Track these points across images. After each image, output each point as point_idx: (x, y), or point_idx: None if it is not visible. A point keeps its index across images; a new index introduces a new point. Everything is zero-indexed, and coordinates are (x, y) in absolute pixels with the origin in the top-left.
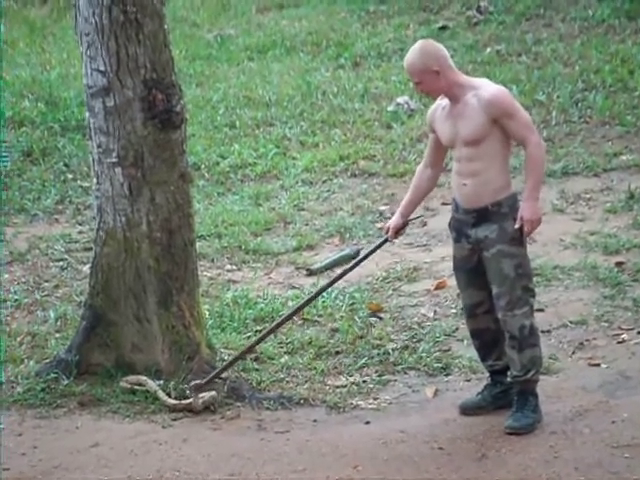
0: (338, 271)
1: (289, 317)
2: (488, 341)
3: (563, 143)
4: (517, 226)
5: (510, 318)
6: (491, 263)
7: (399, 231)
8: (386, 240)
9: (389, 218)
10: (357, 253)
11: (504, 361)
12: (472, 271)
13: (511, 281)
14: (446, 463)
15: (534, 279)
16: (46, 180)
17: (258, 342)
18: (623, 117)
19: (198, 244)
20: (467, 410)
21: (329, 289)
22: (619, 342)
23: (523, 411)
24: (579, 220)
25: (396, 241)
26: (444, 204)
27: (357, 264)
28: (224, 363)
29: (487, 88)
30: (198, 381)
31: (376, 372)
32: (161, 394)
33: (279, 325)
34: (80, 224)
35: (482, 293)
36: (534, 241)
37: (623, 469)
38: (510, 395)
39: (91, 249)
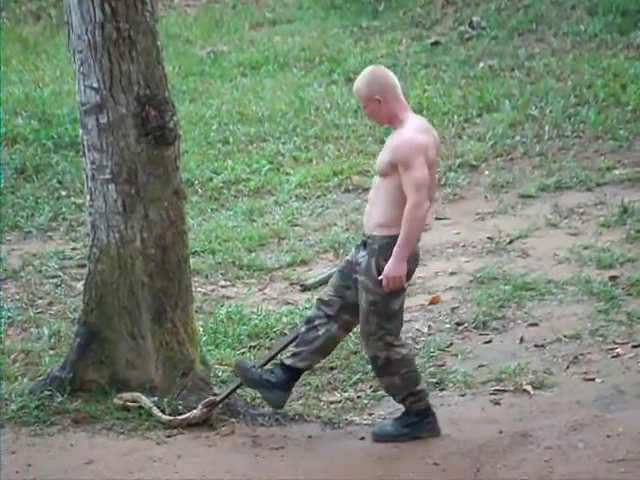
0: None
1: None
2: None
3: (556, 158)
4: (379, 278)
5: (364, 346)
6: (358, 288)
7: None
8: None
9: None
10: None
11: None
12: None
13: (365, 313)
14: (441, 479)
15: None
16: (40, 197)
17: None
18: (616, 131)
19: (192, 260)
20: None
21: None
22: (613, 356)
23: (396, 421)
24: (573, 234)
25: None
26: (437, 219)
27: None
28: (234, 384)
29: (401, 132)
30: (212, 398)
31: (370, 387)
32: (155, 410)
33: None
34: (74, 241)
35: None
36: (528, 255)
37: None
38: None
39: (85, 266)
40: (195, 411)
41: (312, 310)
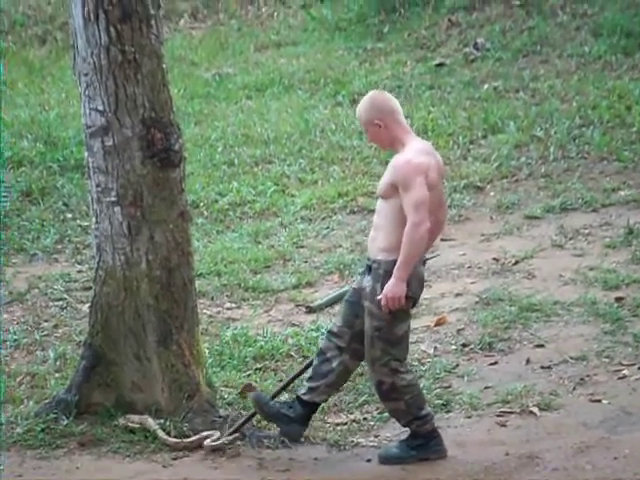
0: (338, 309)
1: None
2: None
3: (561, 179)
4: (378, 297)
5: (370, 370)
6: (364, 315)
7: None
8: None
9: None
10: None
11: None
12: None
13: (370, 339)
14: None
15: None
16: (45, 220)
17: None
18: (621, 153)
19: (197, 282)
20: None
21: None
22: (620, 378)
23: (402, 443)
24: (578, 255)
25: None
26: (443, 240)
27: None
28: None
29: (402, 154)
30: (220, 442)
31: (377, 409)
32: (161, 433)
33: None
34: (79, 263)
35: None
36: (533, 277)
37: None
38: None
39: (90, 288)
40: (206, 441)
41: (323, 342)
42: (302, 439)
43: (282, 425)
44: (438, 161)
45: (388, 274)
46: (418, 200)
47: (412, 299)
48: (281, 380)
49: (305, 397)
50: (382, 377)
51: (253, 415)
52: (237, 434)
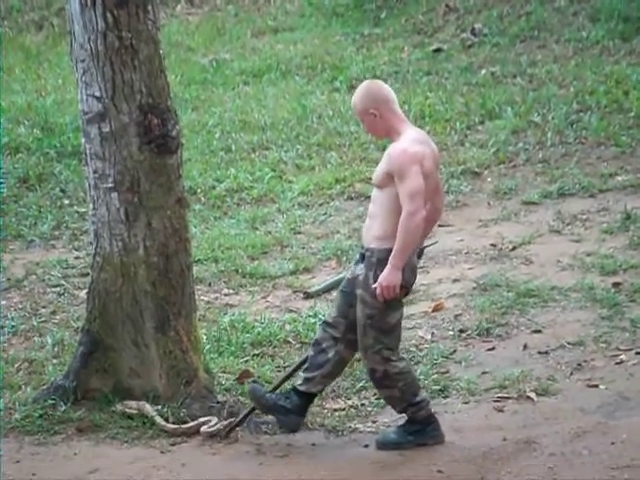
0: (335, 294)
1: None
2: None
3: (559, 164)
4: (374, 286)
5: (363, 358)
6: (357, 303)
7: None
8: None
9: None
10: None
11: None
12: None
13: (362, 327)
14: None
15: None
16: (42, 206)
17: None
18: (618, 138)
19: (195, 268)
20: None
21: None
22: (617, 363)
23: (400, 429)
24: (576, 241)
25: None
26: (440, 226)
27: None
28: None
29: (398, 143)
30: (220, 427)
31: (374, 395)
32: (159, 419)
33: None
34: (77, 250)
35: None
36: (531, 262)
37: None
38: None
39: (88, 274)
40: (202, 427)
41: (318, 332)
42: (300, 429)
43: (279, 416)
44: (433, 149)
45: (381, 262)
46: (414, 189)
47: (405, 288)
48: (279, 366)
49: (301, 388)
50: (374, 365)
51: (253, 410)
52: (233, 419)
